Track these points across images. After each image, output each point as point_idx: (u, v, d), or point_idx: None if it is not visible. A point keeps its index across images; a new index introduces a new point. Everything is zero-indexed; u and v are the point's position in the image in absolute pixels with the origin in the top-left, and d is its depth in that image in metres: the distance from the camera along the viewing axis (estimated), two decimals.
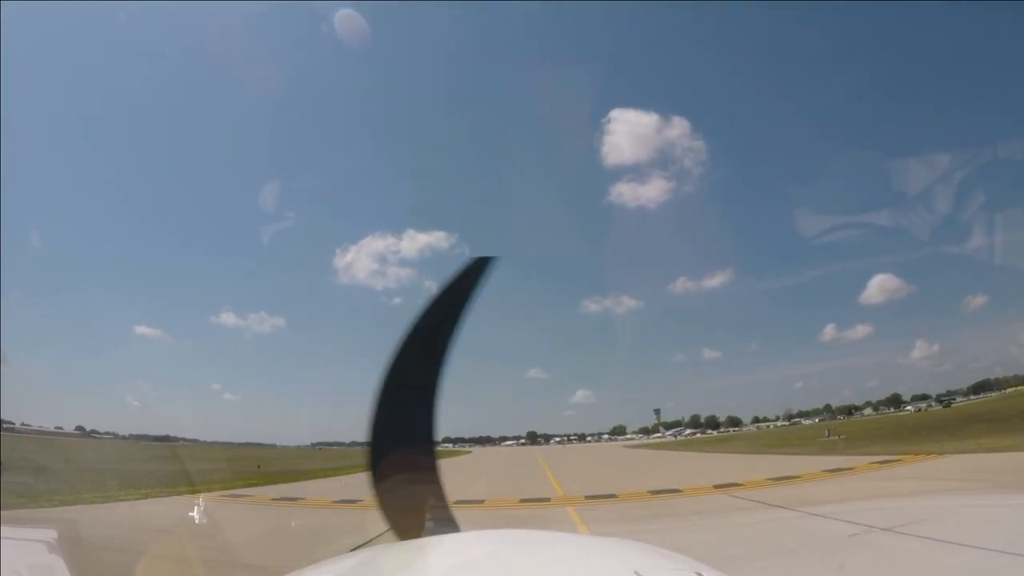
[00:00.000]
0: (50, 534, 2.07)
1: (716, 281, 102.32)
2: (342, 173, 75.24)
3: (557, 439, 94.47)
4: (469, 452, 60.80)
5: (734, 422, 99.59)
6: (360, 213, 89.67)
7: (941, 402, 77.80)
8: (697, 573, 1.08)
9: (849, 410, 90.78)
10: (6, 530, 2.08)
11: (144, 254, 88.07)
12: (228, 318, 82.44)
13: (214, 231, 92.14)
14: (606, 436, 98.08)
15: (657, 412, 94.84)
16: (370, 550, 1.36)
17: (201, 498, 13.14)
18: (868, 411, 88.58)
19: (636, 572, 1.04)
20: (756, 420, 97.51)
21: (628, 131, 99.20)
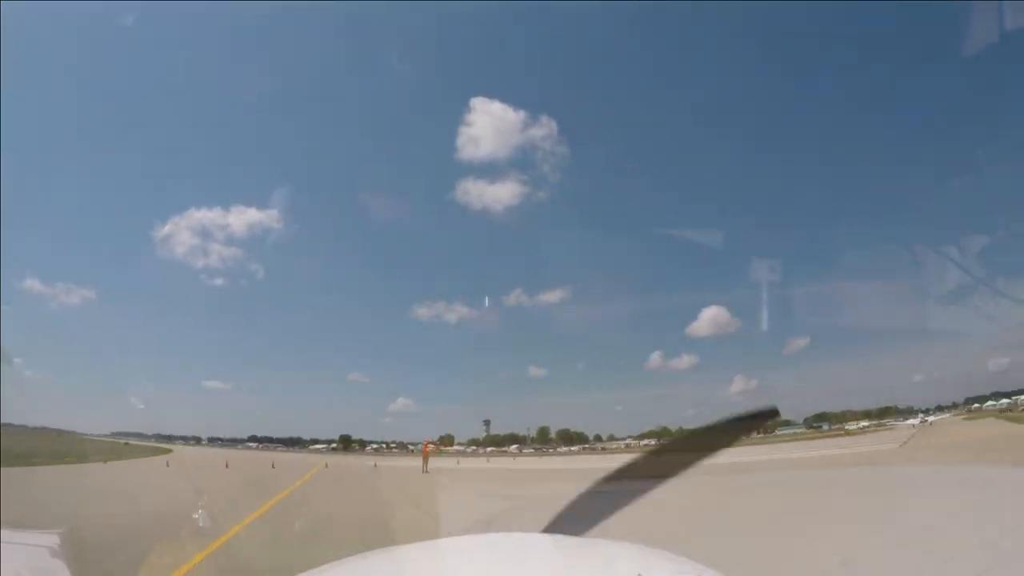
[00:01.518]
0: (52, 538, 2.07)
1: (554, 297, 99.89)
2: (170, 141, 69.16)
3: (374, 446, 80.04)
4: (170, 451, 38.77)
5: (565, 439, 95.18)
6: (186, 184, 79.02)
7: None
8: (698, 574, 1.08)
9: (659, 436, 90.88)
10: (7, 533, 2.07)
11: None
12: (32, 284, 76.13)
13: None
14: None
15: (487, 423, 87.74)
16: (368, 555, 1.36)
17: None
18: None
19: (638, 574, 1.03)
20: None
21: (490, 124, 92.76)
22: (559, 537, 1.46)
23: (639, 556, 1.29)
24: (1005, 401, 62.55)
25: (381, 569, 1.25)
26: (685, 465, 1.76)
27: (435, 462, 29.56)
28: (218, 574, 6.57)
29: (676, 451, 1.81)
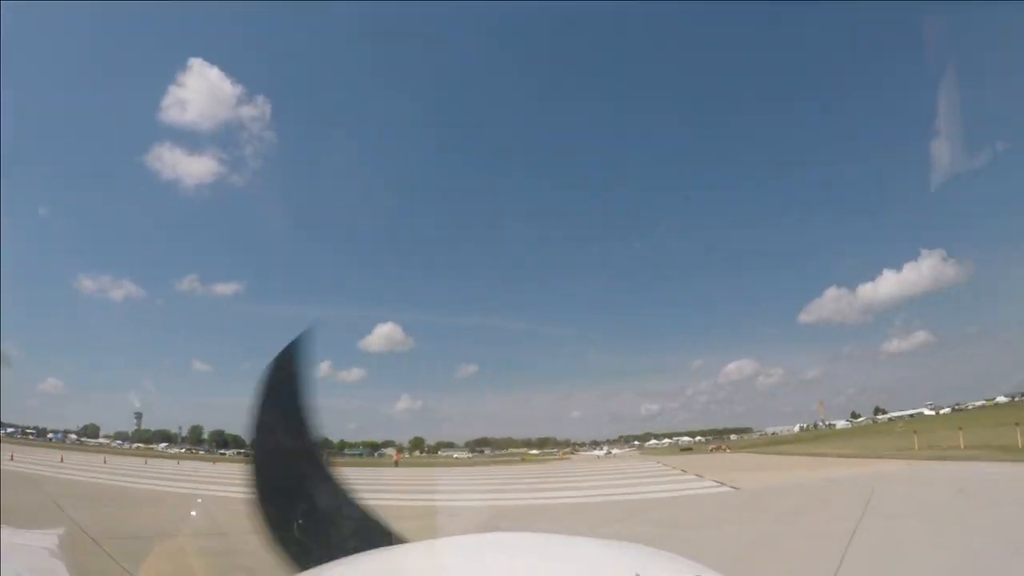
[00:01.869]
0: (51, 538, 2.06)
1: (229, 289, 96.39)
2: None
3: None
4: None
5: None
6: None
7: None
8: (698, 575, 1.07)
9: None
10: (6, 532, 2.07)
11: None
12: None
13: None
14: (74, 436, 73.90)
15: (138, 417, 78.76)
16: (364, 555, 1.35)
17: None
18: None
19: (637, 575, 1.03)
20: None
21: (205, 90, 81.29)
22: (556, 537, 1.46)
23: (636, 556, 1.29)
24: (666, 440, 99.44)
25: (377, 569, 1.24)
26: None
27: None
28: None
29: None
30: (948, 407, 78.23)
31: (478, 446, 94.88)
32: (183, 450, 71.96)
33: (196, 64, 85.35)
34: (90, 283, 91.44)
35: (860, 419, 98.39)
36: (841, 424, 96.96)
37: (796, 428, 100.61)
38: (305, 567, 1.60)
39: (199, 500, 14.12)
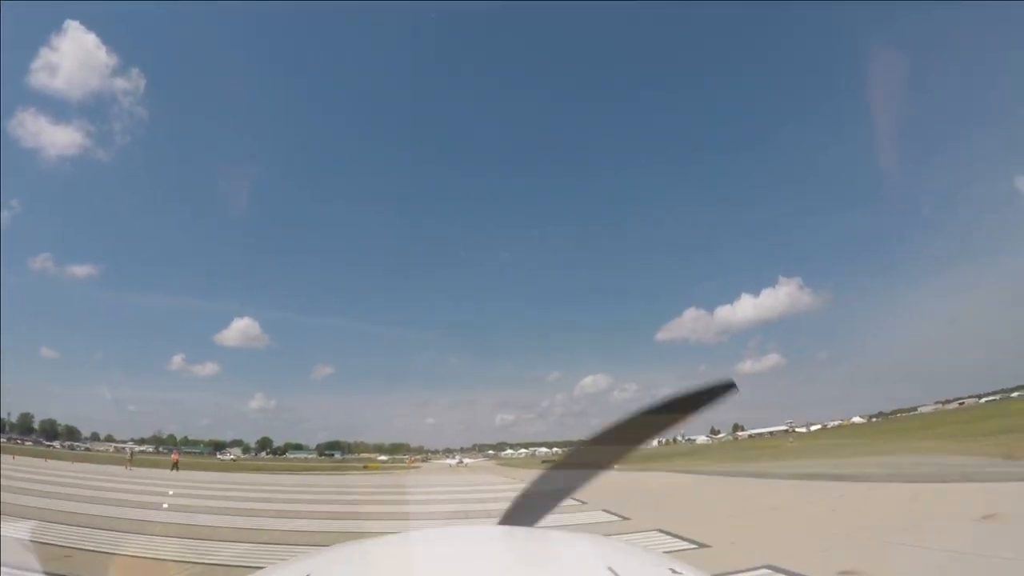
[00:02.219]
0: (25, 529, 2.04)
1: (83, 272, 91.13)
2: None
3: None
4: None
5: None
6: None
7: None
8: (671, 569, 1.11)
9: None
10: (4, 528, 2.04)
11: None
12: None
13: None
14: None
15: None
16: (333, 548, 1.37)
17: None
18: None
19: (610, 568, 1.06)
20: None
21: (78, 56, 78.09)
22: (531, 530, 1.49)
23: (609, 549, 1.33)
24: (523, 451, 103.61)
25: (346, 562, 1.26)
26: (636, 443, 1.76)
27: None
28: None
29: (632, 428, 1.72)
30: (803, 427, 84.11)
31: (328, 449, 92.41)
32: (6, 440, 63.76)
33: (72, 27, 77.93)
34: None
35: (720, 435, 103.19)
36: (701, 439, 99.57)
37: (655, 443, 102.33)
38: None
39: None
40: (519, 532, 1.44)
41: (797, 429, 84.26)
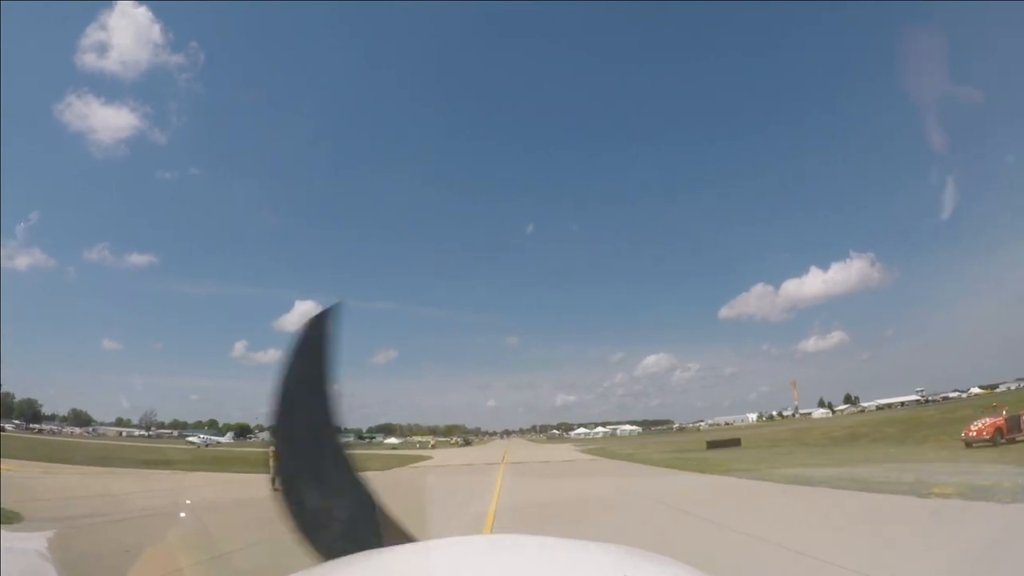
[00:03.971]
0: (42, 540, 2.06)
1: (143, 260, 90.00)
2: None
3: None
4: None
5: None
6: None
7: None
8: None
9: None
10: (4, 535, 2.06)
11: None
12: None
13: None
14: None
15: None
16: (353, 558, 1.37)
17: None
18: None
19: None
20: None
21: (130, 33, 71.92)
22: (547, 539, 1.47)
23: (627, 558, 1.31)
24: (599, 430, 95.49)
25: (365, 571, 1.26)
26: None
27: None
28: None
29: None
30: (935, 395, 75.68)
31: (380, 432, 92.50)
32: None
33: (122, 3, 75.41)
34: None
35: (843, 408, 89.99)
36: (819, 413, 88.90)
37: (752, 417, 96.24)
38: (326, 555, 1.62)
39: None
40: (536, 541, 1.43)
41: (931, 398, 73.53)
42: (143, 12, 69.79)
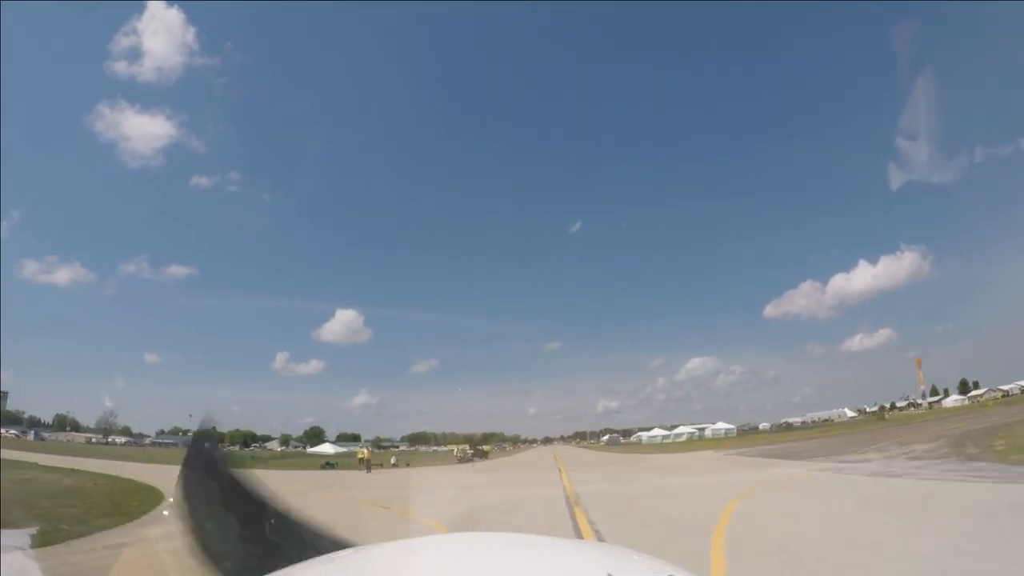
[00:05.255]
0: (23, 537, 2.04)
1: (181, 273, 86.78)
2: None
3: None
4: None
5: None
6: None
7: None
8: (670, 575, 1.12)
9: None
10: (4, 537, 2.04)
11: None
12: None
13: None
14: None
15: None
16: (339, 554, 1.38)
17: None
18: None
19: (609, 574, 1.07)
20: None
21: (162, 37, 67.57)
22: (531, 537, 1.49)
23: (610, 555, 1.33)
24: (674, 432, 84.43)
25: (352, 569, 1.27)
26: None
27: None
28: None
29: None
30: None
31: (415, 442, 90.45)
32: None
33: (155, 7, 69.51)
34: (34, 266, 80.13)
35: (979, 392, 77.11)
36: (950, 401, 77.35)
37: (848, 412, 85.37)
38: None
39: None
40: (520, 539, 1.45)
41: None
42: (174, 14, 67.26)
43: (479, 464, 41.04)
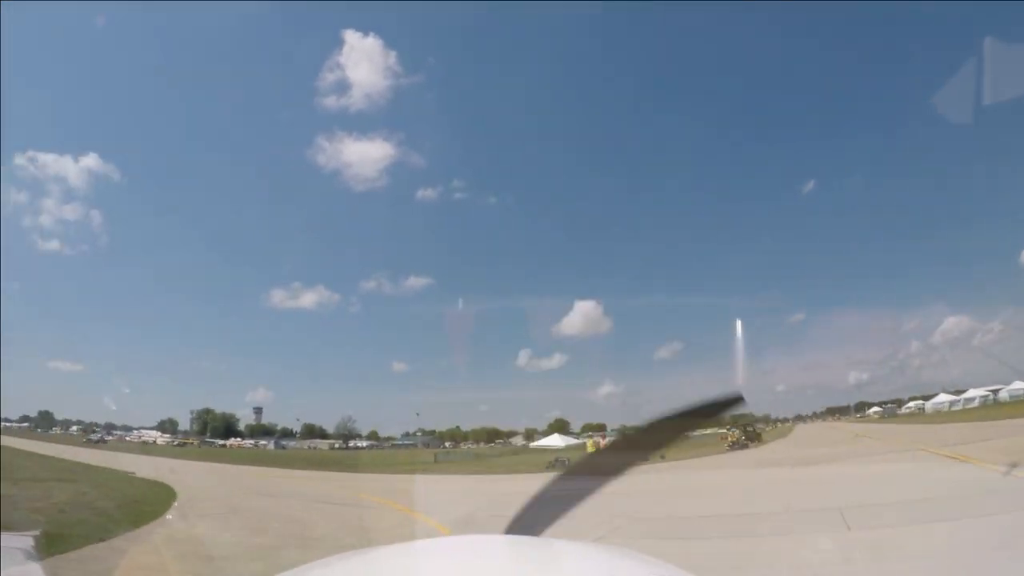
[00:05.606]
0: (27, 540, 2.04)
1: (419, 284, 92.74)
2: None
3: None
4: None
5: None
6: None
7: None
8: None
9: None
10: (4, 538, 2.04)
11: None
12: None
13: None
14: None
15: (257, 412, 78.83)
16: (340, 557, 1.37)
17: None
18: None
19: None
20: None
21: (364, 65, 70.75)
22: (537, 540, 1.48)
23: (615, 559, 1.32)
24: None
25: (353, 571, 1.26)
26: (646, 453, 1.79)
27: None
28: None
29: (639, 439, 1.80)
30: None
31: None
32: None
33: (351, 37, 74.40)
34: (280, 295, 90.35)
35: None
36: None
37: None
38: None
39: None
40: (524, 542, 1.44)
41: None
42: (371, 42, 71.50)
43: (763, 451, 31.33)
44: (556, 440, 59.83)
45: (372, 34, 74.06)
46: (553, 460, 28.83)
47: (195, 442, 64.82)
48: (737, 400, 1.68)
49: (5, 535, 2.39)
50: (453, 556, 1.32)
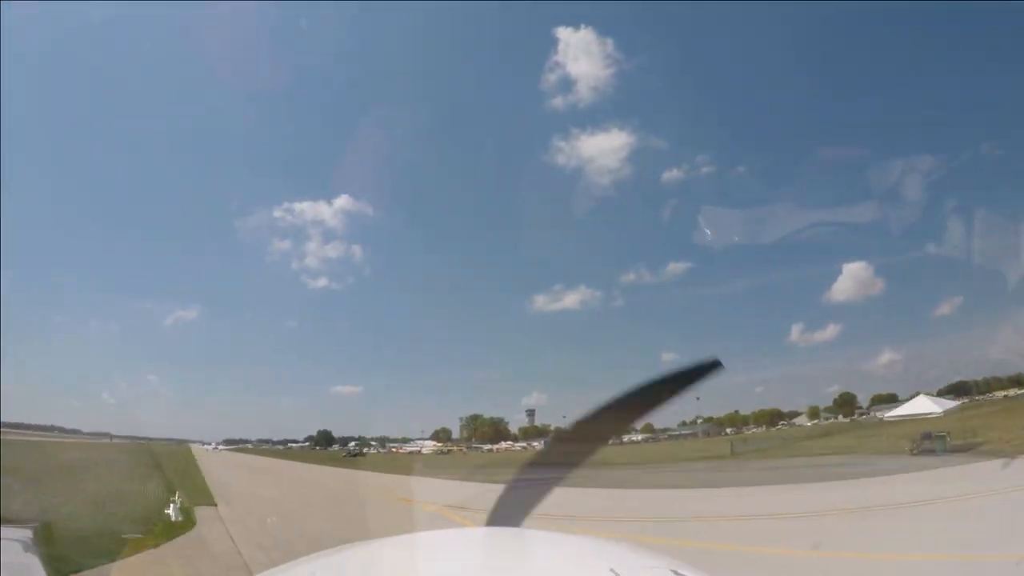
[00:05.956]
0: (25, 533, 2.04)
1: (680, 268, 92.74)
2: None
3: None
4: None
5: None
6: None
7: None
8: (673, 571, 1.10)
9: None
10: (4, 532, 2.05)
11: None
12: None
13: None
14: None
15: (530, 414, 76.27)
16: (338, 550, 1.37)
17: None
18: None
19: (612, 570, 1.06)
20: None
21: (582, 59, 69.71)
22: (535, 532, 1.48)
23: (613, 551, 1.32)
24: None
25: (351, 564, 1.26)
26: (618, 430, 1.75)
27: None
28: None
29: (620, 409, 1.67)
30: None
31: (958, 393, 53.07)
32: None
33: (564, 34, 76.80)
34: (543, 300, 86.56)
35: None
36: None
37: None
38: None
39: None
40: (526, 534, 1.44)
41: None
42: (584, 34, 70.73)
43: None
44: (924, 405, 44.13)
45: (584, 26, 73.20)
46: None
47: (462, 448, 65.45)
48: (714, 366, 1.57)
49: (5, 528, 2.39)
50: (453, 548, 1.31)
